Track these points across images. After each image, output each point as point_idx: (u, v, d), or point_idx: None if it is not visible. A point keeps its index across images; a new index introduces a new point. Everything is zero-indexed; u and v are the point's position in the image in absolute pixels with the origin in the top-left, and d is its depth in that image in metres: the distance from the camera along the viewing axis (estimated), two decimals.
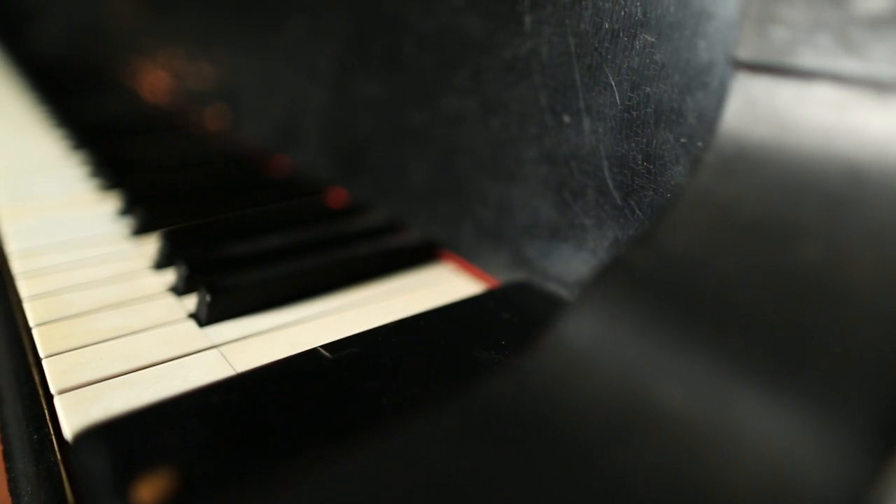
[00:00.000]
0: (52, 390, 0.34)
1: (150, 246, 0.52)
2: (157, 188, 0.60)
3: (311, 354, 0.34)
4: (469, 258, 0.47)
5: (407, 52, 0.50)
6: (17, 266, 0.48)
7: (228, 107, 0.82)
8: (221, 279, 0.41)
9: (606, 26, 0.35)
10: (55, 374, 0.35)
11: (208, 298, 0.40)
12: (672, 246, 0.26)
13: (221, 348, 0.37)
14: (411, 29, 0.49)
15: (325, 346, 0.34)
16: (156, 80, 1.04)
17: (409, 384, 0.31)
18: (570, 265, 0.40)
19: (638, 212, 0.36)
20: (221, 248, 0.46)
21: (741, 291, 0.24)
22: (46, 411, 0.38)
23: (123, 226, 0.55)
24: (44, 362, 0.36)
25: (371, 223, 0.52)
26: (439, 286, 0.45)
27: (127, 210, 0.57)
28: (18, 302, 0.49)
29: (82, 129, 0.82)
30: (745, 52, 0.28)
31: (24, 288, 0.45)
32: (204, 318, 0.40)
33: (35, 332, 0.39)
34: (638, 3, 0.34)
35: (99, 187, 0.64)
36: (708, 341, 0.23)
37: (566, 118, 0.38)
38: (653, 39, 0.33)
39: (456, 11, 0.45)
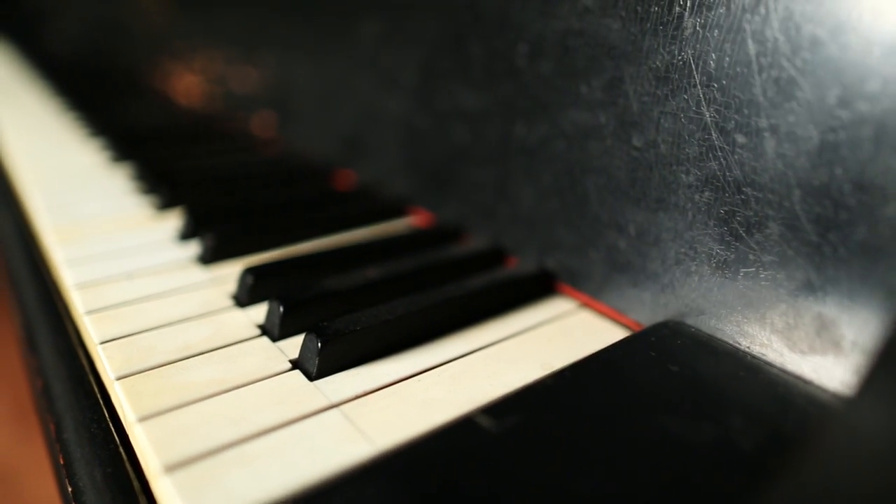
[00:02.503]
0: (157, 467, 0.28)
1: (223, 272, 0.46)
2: (222, 208, 0.55)
3: (468, 426, 0.28)
4: (596, 293, 0.41)
5: (518, 58, 0.44)
6: (79, 302, 0.42)
7: (278, 114, 0.77)
8: (329, 322, 0.36)
9: (806, 31, 0.30)
10: (156, 444, 0.29)
11: (319, 345, 0.34)
12: None
13: (342, 408, 0.32)
14: (525, 32, 0.44)
15: (481, 412, 0.29)
16: (191, 85, 0.98)
17: (605, 473, 0.25)
18: (737, 306, 0.34)
19: (842, 250, 0.30)
20: (315, 283, 0.41)
21: None
22: (136, 482, 0.32)
23: (189, 251, 0.49)
24: (136, 427, 0.31)
25: (473, 250, 0.46)
26: (568, 325, 0.40)
27: (191, 233, 0.51)
28: (81, 343, 0.44)
29: (122, 138, 0.76)
30: None
31: (95, 330, 0.39)
32: (314, 369, 0.34)
33: (119, 388, 0.34)
34: (852, 5, 0.28)
35: (153, 205, 0.59)
36: None
37: (740, 138, 0.33)
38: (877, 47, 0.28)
39: (586, 13, 0.40)
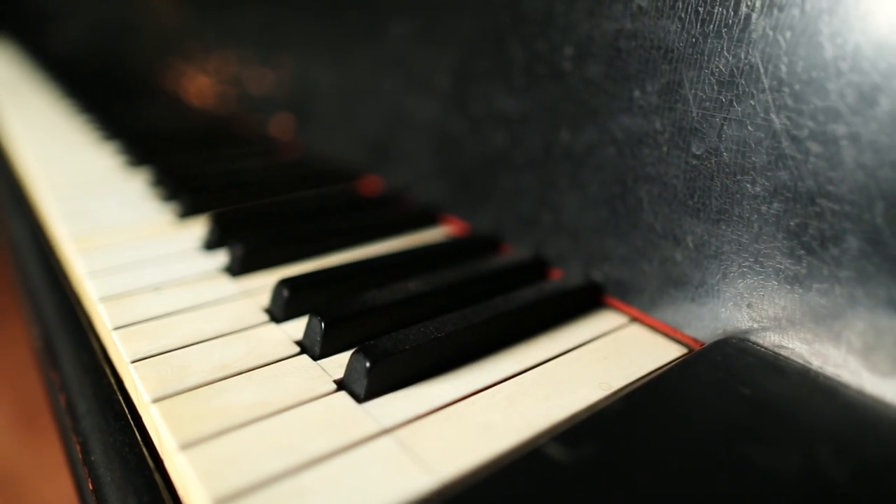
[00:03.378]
0: (206, 502, 0.26)
1: (254, 284, 0.44)
2: (248, 216, 0.53)
3: (538, 458, 0.26)
4: (648, 307, 0.39)
5: (564, 60, 0.42)
6: (106, 316, 0.40)
7: (297, 117, 0.75)
8: (377, 340, 0.34)
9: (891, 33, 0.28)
10: (203, 476, 0.27)
11: (367, 365, 0.32)
12: None
13: (396, 434, 0.30)
14: (571, 33, 0.42)
15: (551, 441, 0.27)
16: (205, 86, 0.96)
17: None
18: (807, 323, 0.33)
19: None
20: (355, 297, 0.39)
21: None
22: None
23: (216, 261, 0.48)
24: (178, 456, 0.29)
25: (516, 261, 0.45)
26: (621, 341, 0.38)
27: (216, 243, 0.49)
28: (107, 359, 0.42)
29: (137, 141, 0.74)
30: None
31: (125, 348, 0.37)
32: (362, 391, 0.32)
33: (155, 412, 0.32)
34: None
35: (175, 212, 0.57)
36: None
37: (814, 147, 0.31)
38: None
39: (640, 14, 0.38)
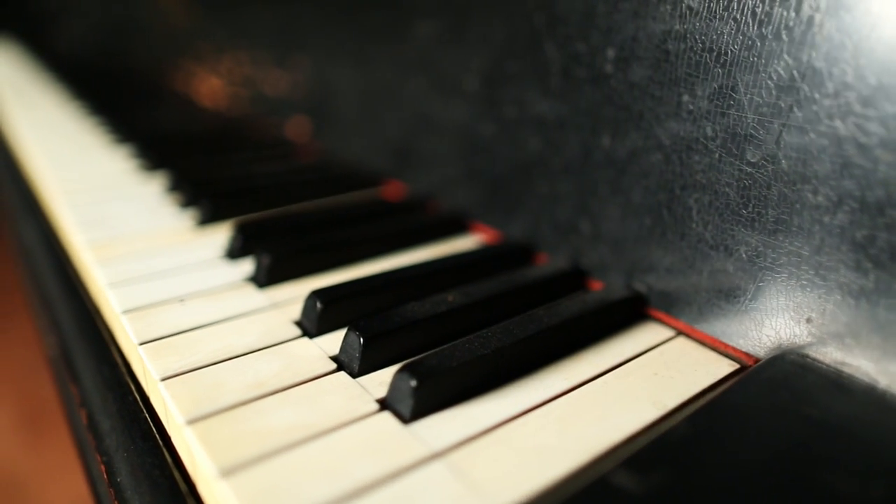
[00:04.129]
0: None
1: (282, 296, 0.43)
2: (271, 224, 0.51)
3: (604, 489, 0.25)
4: (696, 320, 0.38)
5: (606, 63, 0.41)
6: (131, 330, 0.39)
7: (314, 119, 0.73)
8: (422, 357, 0.32)
9: None
10: None
11: (413, 385, 0.31)
12: None
13: (448, 458, 0.28)
14: (614, 35, 0.40)
15: (619, 468, 0.25)
16: (218, 88, 0.94)
17: None
18: (874, 340, 0.31)
19: None
20: (392, 310, 0.37)
21: None
22: None
23: (240, 270, 0.46)
24: (220, 484, 0.27)
25: (555, 271, 0.43)
26: (669, 355, 0.37)
27: (241, 251, 0.48)
28: (130, 373, 0.40)
29: (151, 144, 0.73)
30: None
31: (154, 364, 0.35)
32: (408, 412, 0.31)
33: (191, 435, 0.30)
34: None
35: (194, 219, 0.55)
36: None
37: (885, 155, 0.30)
38: None
39: (691, 15, 0.36)
